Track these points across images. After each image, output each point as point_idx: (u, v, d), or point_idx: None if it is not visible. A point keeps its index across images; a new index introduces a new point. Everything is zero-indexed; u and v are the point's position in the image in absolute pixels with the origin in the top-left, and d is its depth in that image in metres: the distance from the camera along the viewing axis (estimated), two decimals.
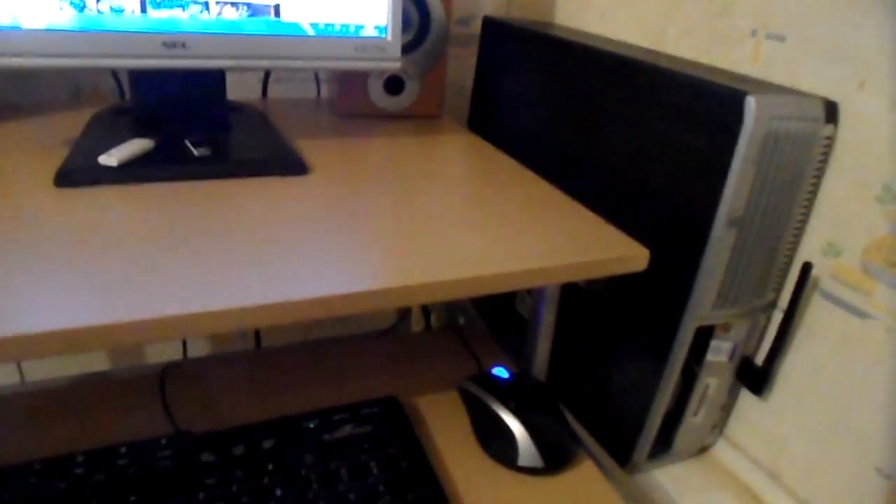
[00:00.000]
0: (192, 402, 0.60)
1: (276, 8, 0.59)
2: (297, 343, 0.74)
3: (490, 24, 0.81)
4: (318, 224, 0.48)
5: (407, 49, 0.75)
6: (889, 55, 0.52)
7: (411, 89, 0.78)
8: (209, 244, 0.44)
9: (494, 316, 0.87)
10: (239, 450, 0.48)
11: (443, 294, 0.45)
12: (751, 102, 0.50)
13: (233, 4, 0.57)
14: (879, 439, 0.55)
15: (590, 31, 0.81)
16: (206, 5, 0.56)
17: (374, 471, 0.48)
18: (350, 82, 0.76)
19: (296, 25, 0.60)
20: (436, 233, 0.49)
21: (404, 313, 1.04)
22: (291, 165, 0.59)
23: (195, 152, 0.58)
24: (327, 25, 0.61)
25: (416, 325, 1.07)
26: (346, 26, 0.62)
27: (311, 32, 0.61)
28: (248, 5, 0.58)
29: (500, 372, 0.59)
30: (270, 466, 0.47)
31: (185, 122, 0.65)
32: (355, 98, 0.77)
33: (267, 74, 0.84)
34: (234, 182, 0.56)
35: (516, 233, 0.51)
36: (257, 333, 0.94)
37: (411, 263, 0.44)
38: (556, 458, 0.53)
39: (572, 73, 0.68)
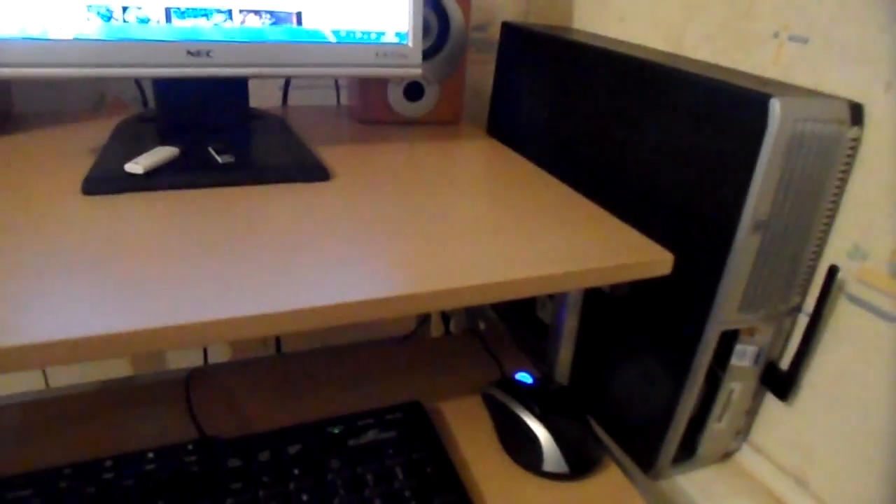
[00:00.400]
0: (216, 408, 0.60)
1: (299, 15, 0.60)
2: (317, 349, 0.74)
3: (509, 30, 0.81)
4: (341, 230, 0.49)
5: (426, 55, 0.76)
6: None
7: (430, 95, 0.78)
8: (234, 251, 0.44)
9: (515, 321, 0.87)
10: (265, 455, 0.48)
11: (466, 299, 0.45)
12: (775, 105, 0.50)
13: (256, 13, 0.58)
14: None
15: (609, 35, 0.81)
16: (230, 14, 0.57)
17: (400, 476, 0.48)
18: (370, 89, 0.77)
19: (318, 33, 0.61)
20: (457, 238, 0.49)
21: (424, 319, 1.05)
22: (314, 172, 0.60)
23: (219, 159, 0.59)
24: (349, 32, 0.62)
25: (436, 330, 1.07)
26: (368, 33, 0.62)
27: (332, 39, 0.61)
28: (272, 13, 0.59)
29: (524, 377, 0.59)
30: (296, 471, 0.47)
31: (209, 129, 0.65)
32: (375, 104, 0.77)
33: (287, 82, 0.84)
34: (257, 189, 0.56)
35: (539, 237, 0.51)
36: (278, 339, 0.94)
37: (433, 269, 0.44)
38: (581, 463, 0.53)
39: (591, 77, 0.68)
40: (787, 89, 0.55)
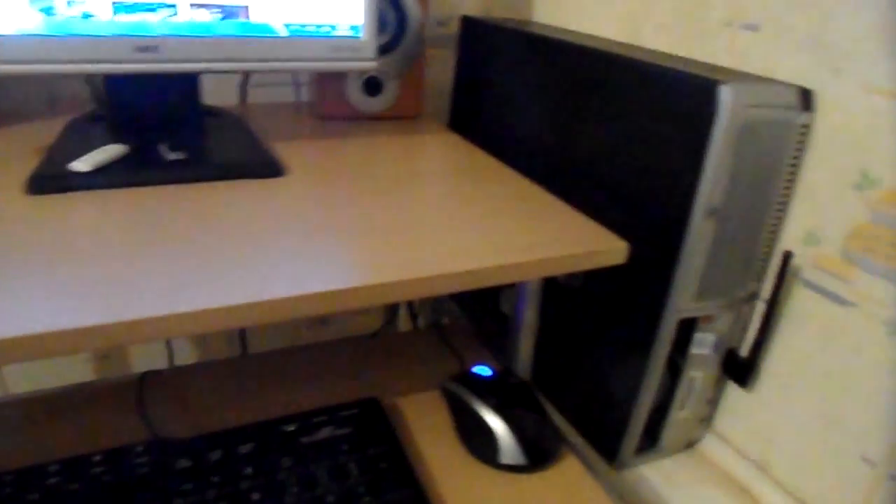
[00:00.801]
0: (172, 410, 0.59)
1: (248, 9, 0.59)
2: (281, 349, 0.73)
3: (468, 24, 0.81)
4: (293, 224, 0.48)
5: (384, 50, 0.75)
6: (863, 41, 0.52)
7: (390, 90, 0.77)
8: (181, 247, 0.43)
9: (479, 315, 0.86)
10: (216, 455, 0.48)
11: (419, 291, 0.44)
12: (724, 92, 0.50)
13: (204, 7, 0.57)
14: (865, 427, 0.55)
15: (568, 27, 0.81)
16: (177, 8, 0.56)
17: (354, 472, 0.48)
18: (328, 84, 0.76)
19: (268, 27, 0.60)
20: (413, 231, 0.49)
21: (391, 317, 1.04)
22: (266, 168, 0.59)
23: (169, 157, 0.58)
24: (301, 26, 0.61)
25: (404, 327, 1.06)
26: (321, 27, 0.62)
27: (284, 33, 0.60)
28: (221, 7, 0.58)
29: (482, 370, 0.59)
30: (248, 471, 0.46)
31: (160, 126, 0.64)
32: (334, 100, 0.76)
33: (245, 78, 0.83)
34: (208, 185, 0.55)
35: (494, 230, 0.50)
36: (243, 340, 0.93)
37: (389, 261, 0.44)
38: (538, 455, 0.53)
39: (548, 69, 0.68)
40: (737, 76, 0.55)
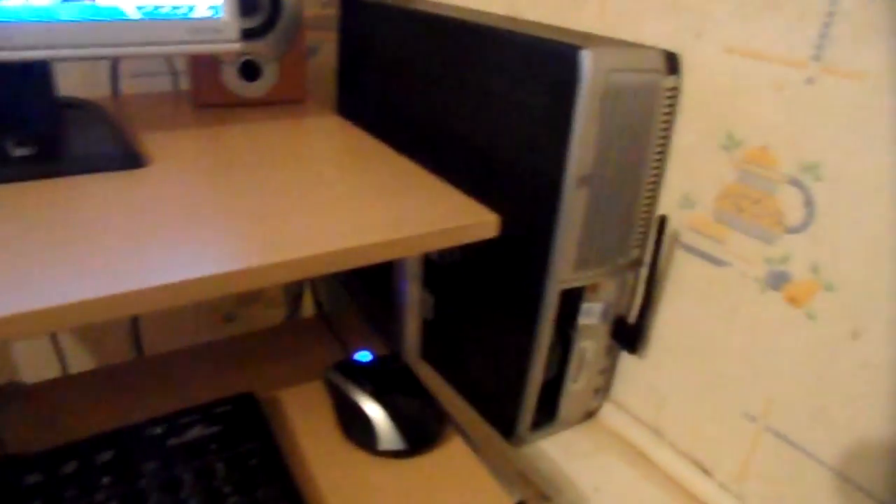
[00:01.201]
0: (32, 425, 0.55)
1: None
2: (170, 351, 0.70)
3: (348, 2, 0.78)
4: (151, 216, 0.45)
5: (259, 32, 0.72)
6: (720, 2, 0.52)
7: (269, 74, 0.74)
8: (28, 245, 0.40)
9: (369, 301, 0.85)
10: (70, 467, 0.45)
11: (284, 275, 0.43)
12: (585, 57, 0.49)
13: None
14: (744, 385, 0.56)
15: (450, 2, 0.79)
16: None
17: (222, 472, 0.45)
18: (203, 71, 0.73)
19: (117, 10, 0.56)
20: (284, 215, 0.47)
21: (295, 309, 1.01)
22: (125, 159, 0.56)
23: (15, 152, 0.54)
24: (154, 8, 0.57)
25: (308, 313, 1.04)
26: (177, 8, 0.58)
27: (136, 16, 0.57)
28: None
29: (363, 356, 0.57)
30: (106, 480, 0.44)
31: (10, 121, 0.60)
32: (210, 87, 0.73)
33: (114, 69, 0.79)
34: (61, 181, 0.52)
35: (367, 209, 0.49)
36: (138, 342, 0.89)
37: (253, 246, 0.42)
38: (419, 439, 0.52)
39: (424, 45, 0.66)
40: (602, 42, 0.55)
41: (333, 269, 0.45)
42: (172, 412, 0.51)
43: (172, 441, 0.47)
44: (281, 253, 0.42)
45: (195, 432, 0.49)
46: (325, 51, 0.92)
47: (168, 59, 0.83)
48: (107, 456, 0.46)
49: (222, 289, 0.41)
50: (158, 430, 0.48)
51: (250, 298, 1.04)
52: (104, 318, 0.38)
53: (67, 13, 0.54)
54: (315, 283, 0.87)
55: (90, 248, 0.41)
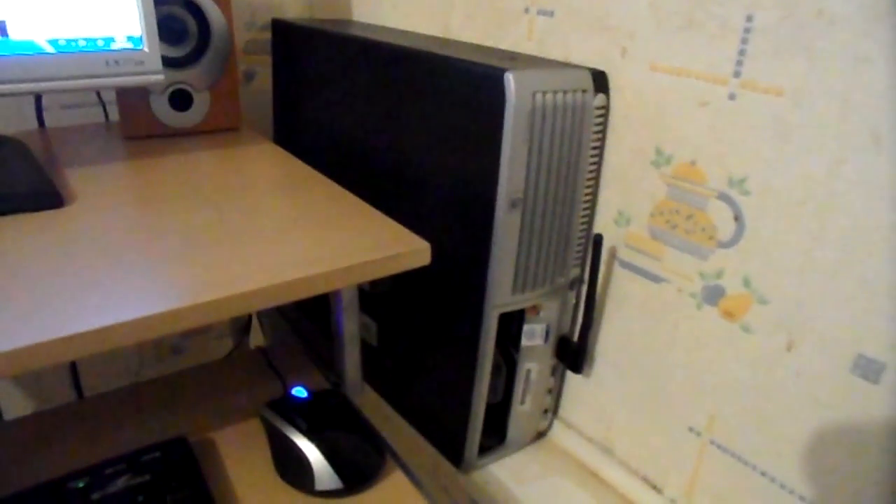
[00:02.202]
0: None
1: (3, 26, 0.53)
2: (111, 391, 0.67)
3: (279, 27, 0.77)
4: (72, 259, 0.43)
5: (188, 61, 0.70)
6: (643, 20, 0.52)
7: (201, 103, 0.73)
8: None
9: (308, 333, 0.83)
10: None
11: (209, 315, 0.41)
12: (509, 79, 0.49)
13: None
14: (687, 399, 0.56)
15: (386, 25, 0.79)
16: None
17: None
18: (131, 102, 0.70)
19: (30, 44, 0.54)
20: (208, 251, 0.45)
21: (239, 340, 0.99)
22: (43, 198, 0.53)
23: None
24: (70, 41, 0.56)
25: (258, 342, 1.02)
26: (93, 40, 0.57)
27: (50, 50, 0.55)
28: None
29: (299, 392, 0.55)
30: None
31: None
32: (139, 118, 0.71)
33: (38, 102, 0.76)
34: None
35: (299, 241, 0.47)
36: (77, 383, 0.86)
37: (180, 286, 0.40)
38: (356, 476, 0.50)
39: (356, 70, 0.65)
40: (530, 63, 0.54)
41: (263, 305, 0.43)
42: (96, 463, 0.48)
43: (96, 495, 0.45)
44: (207, 292, 0.40)
45: (121, 483, 0.46)
46: (263, 75, 0.91)
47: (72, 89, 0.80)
48: None
49: (152, 331, 0.39)
50: (81, 484, 0.46)
51: (197, 331, 1.01)
52: (31, 368, 0.36)
53: None
54: (260, 313, 0.85)
55: (9, 293, 0.39)
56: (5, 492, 0.50)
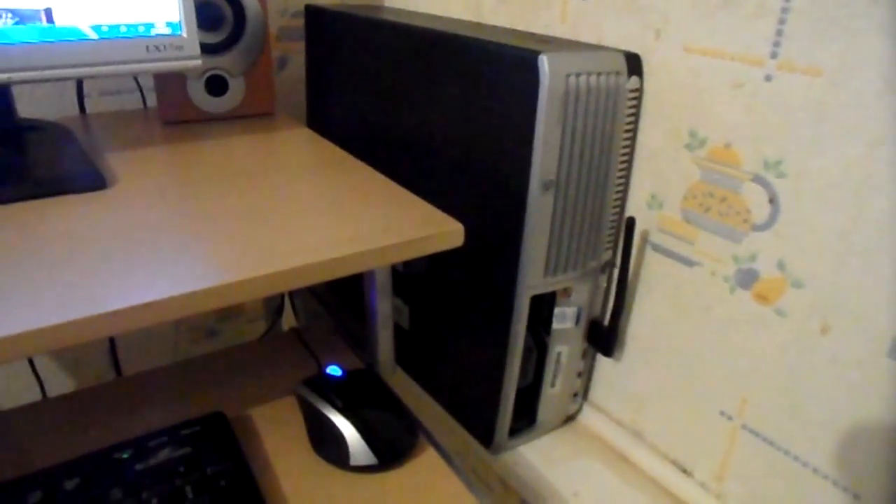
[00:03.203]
0: (2, 453, 0.54)
1: (49, 12, 0.55)
2: (148, 371, 0.69)
3: (313, 13, 0.78)
4: (118, 237, 0.45)
5: (223, 47, 0.71)
6: (676, 1, 0.52)
7: (236, 89, 0.74)
8: None
9: (342, 313, 0.84)
10: (35, 497, 0.44)
11: (250, 292, 0.42)
12: (543, 61, 0.49)
13: None
14: (719, 383, 0.56)
15: (417, 10, 0.79)
16: None
17: (190, 495, 0.45)
18: (169, 87, 0.72)
19: (74, 30, 0.56)
20: (251, 230, 0.46)
21: (274, 322, 1.01)
22: (89, 181, 0.55)
23: None
24: (112, 27, 0.57)
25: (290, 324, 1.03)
26: (135, 26, 0.58)
27: (94, 36, 0.56)
28: (13, 12, 0.53)
29: (334, 371, 0.56)
30: None
31: None
32: (177, 103, 0.72)
33: (80, 88, 0.78)
34: (24, 205, 0.51)
35: (334, 222, 0.48)
36: (116, 362, 0.88)
37: (222, 264, 0.41)
38: (390, 452, 0.51)
39: (389, 53, 0.66)
40: (563, 45, 0.54)
41: (301, 283, 0.44)
42: (140, 436, 0.50)
43: (140, 465, 0.47)
44: (249, 269, 0.41)
45: (163, 455, 0.48)
46: (296, 62, 0.92)
47: (135, 76, 0.82)
48: (73, 484, 0.45)
49: (191, 308, 0.40)
50: (125, 455, 0.48)
51: (231, 313, 1.03)
52: (76, 342, 0.37)
53: (25, 35, 0.54)
54: (293, 295, 0.87)
55: (57, 271, 0.40)
56: (50, 462, 0.52)
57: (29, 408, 0.63)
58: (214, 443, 0.50)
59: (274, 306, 1.03)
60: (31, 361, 0.85)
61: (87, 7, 0.56)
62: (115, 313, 0.38)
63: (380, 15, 0.71)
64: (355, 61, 0.72)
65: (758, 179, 0.49)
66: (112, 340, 0.87)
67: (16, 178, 0.55)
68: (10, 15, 0.53)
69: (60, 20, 0.55)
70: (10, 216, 0.49)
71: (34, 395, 0.89)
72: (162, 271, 0.41)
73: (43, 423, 0.59)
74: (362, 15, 0.70)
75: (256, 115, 0.76)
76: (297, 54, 0.92)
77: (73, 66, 0.56)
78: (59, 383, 0.93)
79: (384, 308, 0.60)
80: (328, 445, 0.51)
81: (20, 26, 0.53)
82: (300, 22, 0.90)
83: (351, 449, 0.50)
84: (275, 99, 0.77)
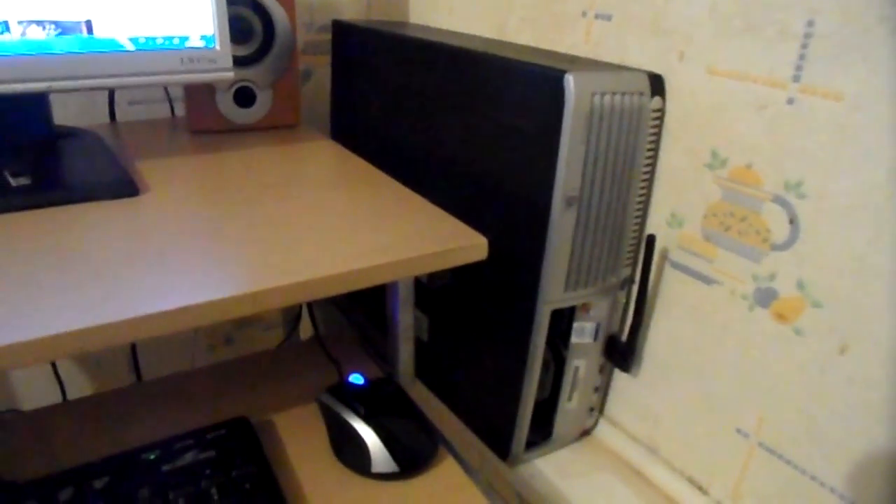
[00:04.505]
0: (29, 452, 0.56)
1: (89, 24, 0.56)
2: (168, 375, 0.70)
3: (339, 28, 0.80)
4: (147, 244, 0.46)
5: (253, 59, 0.73)
6: (701, 25, 0.53)
7: (263, 100, 0.75)
8: (26, 274, 0.41)
9: (364, 324, 0.85)
10: (66, 494, 0.45)
11: (274, 301, 0.43)
12: (569, 80, 0.50)
13: (38, 23, 0.54)
14: (736, 401, 0.56)
15: (441, 27, 0.80)
16: (7, 26, 0.53)
17: (215, 496, 0.46)
18: (198, 98, 0.74)
19: (113, 42, 0.57)
20: (276, 240, 0.48)
21: (291, 331, 1.02)
22: (120, 187, 0.56)
23: (12, 182, 0.55)
24: (148, 39, 0.59)
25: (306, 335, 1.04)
26: (170, 39, 0.60)
27: (131, 48, 0.58)
28: (56, 23, 0.55)
29: (356, 379, 0.57)
30: None
31: (5, 151, 0.61)
32: (205, 113, 0.74)
33: (111, 97, 0.80)
34: (57, 210, 0.53)
35: (359, 233, 0.50)
36: (137, 367, 0.89)
37: (243, 273, 0.42)
38: (411, 460, 0.52)
39: (414, 69, 0.67)
40: (588, 65, 0.56)
41: (326, 293, 0.46)
42: (167, 438, 0.51)
43: (166, 467, 0.48)
44: (273, 279, 0.43)
45: (189, 457, 0.49)
46: (320, 75, 0.94)
47: (164, 87, 0.84)
48: (101, 482, 0.46)
49: (217, 315, 0.42)
50: (153, 456, 0.49)
51: (249, 321, 1.04)
52: (103, 346, 0.38)
53: (64, 46, 0.56)
54: (312, 305, 0.88)
55: (87, 276, 0.41)
56: (76, 462, 0.53)
57: (53, 409, 0.64)
58: (239, 447, 0.51)
59: (292, 315, 1.04)
60: (53, 364, 0.86)
61: (125, 20, 0.57)
62: (145, 318, 0.39)
63: (405, 31, 0.72)
64: (380, 76, 0.73)
65: (778, 200, 0.50)
66: (134, 346, 0.88)
67: (51, 183, 0.56)
68: (53, 26, 0.55)
69: (100, 32, 0.57)
70: (45, 220, 0.50)
71: (55, 398, 0.90)
72: (191, 278, 0.42)
73: (68, 424, 0.61)
74: (388, 31, 0.72)
75: (282, 126, 0.78)
76: (320, 68, 0.94)
77: (111, 76, 0.58)
78: (80, 387, 0.94)
79: (406, 319, 0.61)
80: (350, 452, 0.52)
81: (62, 37, 0.55)
82: (325, 36, 0.91)
83: (372, 456, 0.51)
84: (300, 111, 0.78)
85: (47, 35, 0.55)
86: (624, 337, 0.63)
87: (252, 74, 0.74)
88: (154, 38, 0.59)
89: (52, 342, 0.36)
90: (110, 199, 0.56)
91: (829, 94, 0.46)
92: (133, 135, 0.74)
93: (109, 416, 0.62)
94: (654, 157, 0.58)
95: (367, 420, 0.52)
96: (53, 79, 0.56)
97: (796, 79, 0.47)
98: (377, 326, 0.79)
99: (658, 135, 0.57)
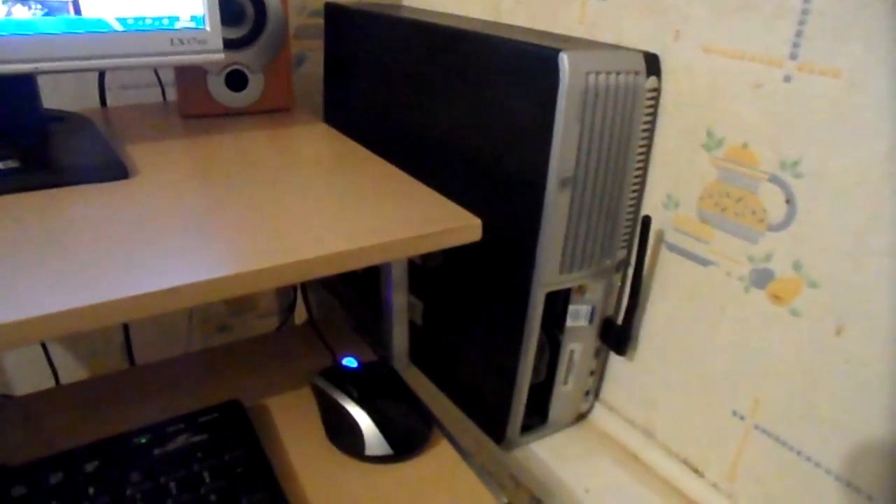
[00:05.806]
0: (21, 436, 0.55)
1: (76, 4, 0.55)
2: (163, 360, 0.70)
3: (332, 10, 0.79)
4: (138, 226, 0.46)
5: (244, 42, 0.72)
6: (696, 2, 0.52)
7: (255, 84, 0.75)
8: (16, 256, 0.40)
9: (359, 308, 0.85)
10: (56, 477, 0.45)
11: (267, 281, 0.43)
12: (563, 59, 0.50)
13: (22, 2, 0.53)
14: (732, 383, 0.56)
15: (434, 9, 0.80)
16: None
17: (207, 480, 0.45)
18: (189, 81, 0.73)
19: (100, 22, 0.56)
20: (269, 221, 0.47)
21: (286, 317, 1.01)
22: (111, 170, 0.56)
23: (0, 165, 0.54)
24: (137, 19, 0.58)
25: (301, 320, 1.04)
26: (159, 19, 0.59)
27: (119, 28, 0.57)
28: (43, 3, 0.54)
29: (350, 362, 0.57)
30: (91, 490, 0.44)
31: None
32: (197, 97, 0.73)
33: (101, 81, 0.79)
34: (47, 193, 0.52)
35: (352, 215, 0.49)
36: (130, 352, 0.89)
37: (242, 252, 0.42)
38: (405, 443, 0.52)
39: (407, 51, 0.67)
40: (582, 44, 0.55)
41: (318, 274, 0.45)
42: (158, 421, 0.51)
43: (158, 450, 0.48)
44: (265, 259, 0.42)
45: (181, 441, 0.49)
46: (313, 59, 0.93)
47: (155, 70, 0.83)
48: (92, 466, 0.46)
49: (209, 296, 0.41)
50: (144, 440, 0.48)
51: (243, 308, 1.04)
52: (94, 326, 0.38)
53: (52, 26, 0.55)
54: (306, 291, 0.87)
55: (77, 257, 0.41)
56: (68, 446, 0.53)
57: (45, 393, 0.64)
58: (231, 430, 0.50)
59: (287, 302, 1.04)
60: (45, 349, 0.86)
61: None
62: (136, 298, 0.38)
63: (398, 13, 0.71)
64: (373, 58, 0.73)
65: (775, 180, 0.49)
66: (127, 331, 0.88)
67: (40, 166, 0.55)
68: (39, 6, 0.54)
69: (87, 11, 0.56)
70: (34, 203, 0.49)
71: (47, 382, 0.90)
72: (182, 259, 0.41)
73: (60, 409, 0.60)
74: (381, 13, 0.71)
75: (275, 110, 0.77)
76: (313, 52, 0.93)
77: (99, 57, 0.57)
78: (73, 372, 0.94)
79: (400, 302, 0.61)
80: (343, 435, 0.52)
81: (49, 17, 0.54)
82: (317, 21, 0.90)
83: (366, 439, 0.51)
84: (293, 95, 0.77)
85: (33, 14, 0.54)
86: (619, 320, 0.63)
87: (243, 57, 0.73)
88: (143, 19, 0.58)
89: (43, 322, 0.36)
90: (100, 182, 0.55)
91: (826, 71, 0.45)
92: (124, 119, 0.73)
93: (103, 401, 0.62)
94: (650, 138, 0.58)
95: (361, 403, 0.52)
96: (40, 60, 0.55)
97: (793, 56, 0.47)
98: (371, 310, 0.79)
99: (654, 115, 0.57)
